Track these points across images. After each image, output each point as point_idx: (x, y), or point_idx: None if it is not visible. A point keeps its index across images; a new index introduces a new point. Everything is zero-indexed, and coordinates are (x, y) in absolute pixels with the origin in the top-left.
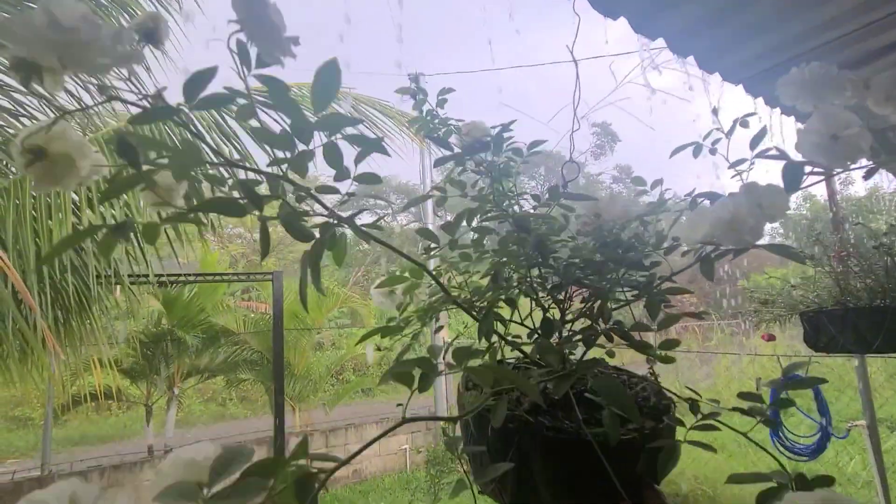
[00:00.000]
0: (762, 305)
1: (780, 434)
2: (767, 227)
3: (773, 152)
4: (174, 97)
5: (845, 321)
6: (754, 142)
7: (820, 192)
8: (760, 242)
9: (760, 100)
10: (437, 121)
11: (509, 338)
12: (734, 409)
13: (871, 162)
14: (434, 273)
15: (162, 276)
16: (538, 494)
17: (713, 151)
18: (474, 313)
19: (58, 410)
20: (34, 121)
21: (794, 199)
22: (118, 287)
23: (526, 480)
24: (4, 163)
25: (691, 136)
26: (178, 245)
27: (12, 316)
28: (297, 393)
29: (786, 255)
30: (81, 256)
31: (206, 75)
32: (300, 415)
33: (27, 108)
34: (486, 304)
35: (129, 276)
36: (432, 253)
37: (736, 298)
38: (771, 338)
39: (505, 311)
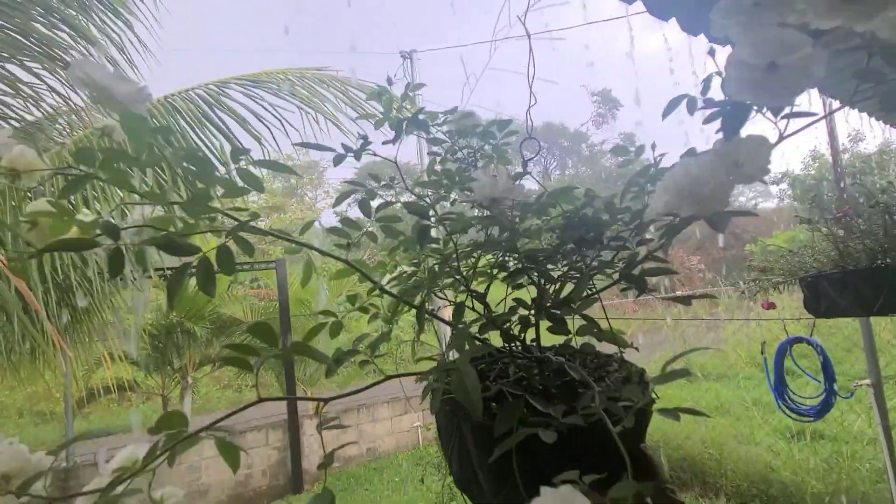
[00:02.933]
0: (761, 273)
1: (786, 396)
2: (775, 188)
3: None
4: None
5: (845, 284)
6: (705, 88)
7: (825, 149)
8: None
9: None
10: (398, 122)
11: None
12: None
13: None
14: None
15: (163, 269)
16: (476, 474)
17: (709, 102)
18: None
19: (78, 404)
20: (21, 123)
21: (802, 158)
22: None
23: (466, 460)
24: None
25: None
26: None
27: (18, 317)
28: (307, 377)
29: (713, 225)
30: (81, 254)
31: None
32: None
33: (14, 109)
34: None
35: (132, 269)
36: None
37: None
38: (771, 306)
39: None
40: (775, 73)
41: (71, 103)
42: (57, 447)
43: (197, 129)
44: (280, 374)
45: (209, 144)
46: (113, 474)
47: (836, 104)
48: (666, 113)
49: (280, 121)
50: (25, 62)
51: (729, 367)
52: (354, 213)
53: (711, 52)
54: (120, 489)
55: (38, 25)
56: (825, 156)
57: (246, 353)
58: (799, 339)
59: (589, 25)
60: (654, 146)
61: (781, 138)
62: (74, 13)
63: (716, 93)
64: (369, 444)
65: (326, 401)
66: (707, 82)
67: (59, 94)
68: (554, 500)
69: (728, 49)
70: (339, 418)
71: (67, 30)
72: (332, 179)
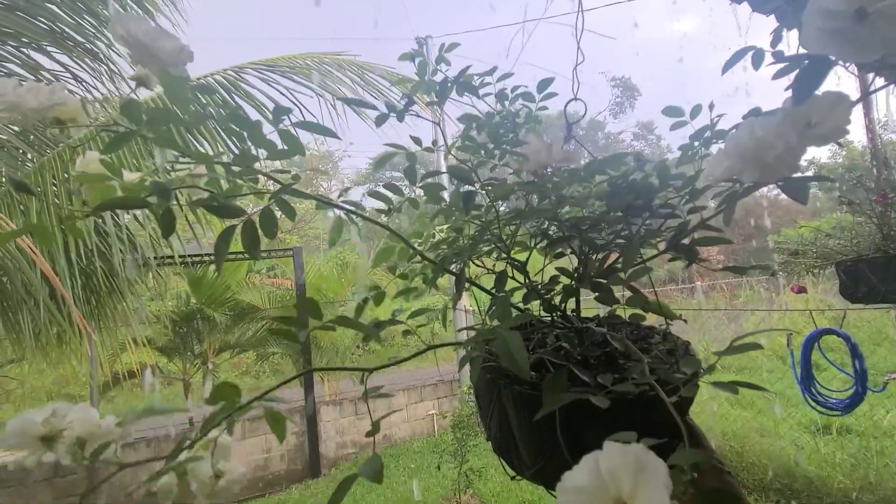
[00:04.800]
0: (792, 257)
1: (812, 389)
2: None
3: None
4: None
5: (888, 269)
6: (775, 39)
7: (857, 136)
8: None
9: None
10: (442, 82)
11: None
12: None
13: None
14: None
15: (186, 256)
16: (515, 443)
17: (779, 56)
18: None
19: (103, 388)
20: None
21: (829, 145)
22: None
23: (505, 427)
24: (22, 151)
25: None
26: (198, 227)
27: (44, 302)
28: (325, 363)
29: (793, 194)
30: (106, 241)
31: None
32: (329, 385)
33: None
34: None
35: (155, 258)
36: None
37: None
38: (801, 290)
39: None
40: (865, 22)
41: (94, 93)
42: (124, 417)
43: (193, 133)
44: (297, 361)
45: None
46: (174, 448)
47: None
48: (727, 67)
49: (298, 106)
50: (46, 47)
51: (751, 360)
52: (368, 203)
53: None
54: (183, 456)
55: (60, 12)
56: (853, 143)
57: (294, 325)
58: (828, 331)
59: (608, 9)
60: (711, 105)
61: (866, 94)
62: None
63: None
64: (385, 431)
65: (371, 370)
66: (778, 32)
67: (82, 80)
68: (624, 456)
69: (770, 20)
70: (357, 404)
71: (90, 18)
72: (347, 170)
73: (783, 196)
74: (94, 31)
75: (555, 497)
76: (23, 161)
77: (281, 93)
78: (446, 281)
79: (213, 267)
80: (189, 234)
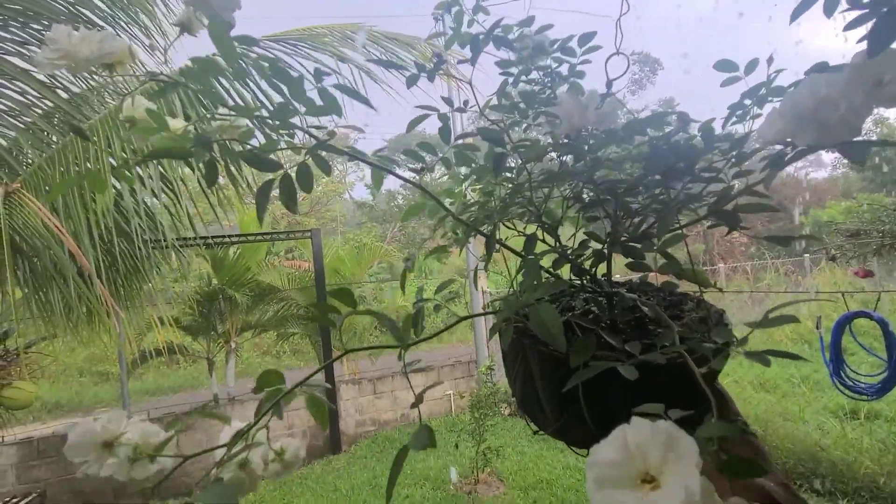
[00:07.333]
0: (852, 238)
1: (842, 373)
2: (828, 157)
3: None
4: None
5: None
6: None
7: (892, 113)
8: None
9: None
10: (474, 37)
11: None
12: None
13: None
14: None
15: (207, 237)
16: (539, 400)
17: (855, 2)
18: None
19: (132, 365)
20: (67, 92)
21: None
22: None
23: (530, 388)
24: (46, 133)
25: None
26: (219, 209)
27: (73, 279)
28: (343, 344)
29: (856, 158)
30: (130, 221)
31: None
32: (348, 364)
33: (60, 79)
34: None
35: (177, 238)
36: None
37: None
38: (868, 274)
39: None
40: None
41: (116, 81)
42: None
43: (234, 87)
44: (316, 342)
45: (243, 103)
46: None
47: None
48: (795, 15)
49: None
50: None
51: (775, 344)
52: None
53: None
54: (240, 446)
55: None
56: (890, 120)
57: (330, 311)
58: (860, 314)
59: None
60: (770, 60)
61: None
62: None
63: None
64: (403, 410)
65: (408, 346)
66: None
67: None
68: (654, 432)
69: None
70: (375, 383)
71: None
72: (365, 150)
73: (812, 175)
74: (112, 13)
75: (575, 453)
76: (48, 143)
77: (300, 62)
78: (464, 262)
79: (233, 248)
80: (211, 215)
